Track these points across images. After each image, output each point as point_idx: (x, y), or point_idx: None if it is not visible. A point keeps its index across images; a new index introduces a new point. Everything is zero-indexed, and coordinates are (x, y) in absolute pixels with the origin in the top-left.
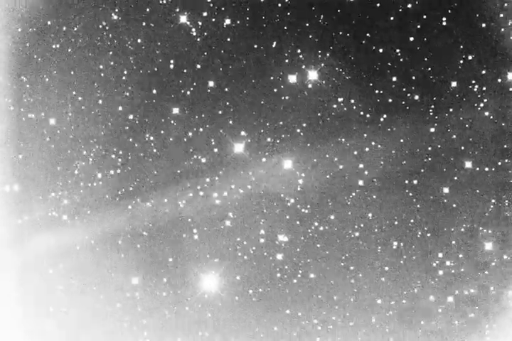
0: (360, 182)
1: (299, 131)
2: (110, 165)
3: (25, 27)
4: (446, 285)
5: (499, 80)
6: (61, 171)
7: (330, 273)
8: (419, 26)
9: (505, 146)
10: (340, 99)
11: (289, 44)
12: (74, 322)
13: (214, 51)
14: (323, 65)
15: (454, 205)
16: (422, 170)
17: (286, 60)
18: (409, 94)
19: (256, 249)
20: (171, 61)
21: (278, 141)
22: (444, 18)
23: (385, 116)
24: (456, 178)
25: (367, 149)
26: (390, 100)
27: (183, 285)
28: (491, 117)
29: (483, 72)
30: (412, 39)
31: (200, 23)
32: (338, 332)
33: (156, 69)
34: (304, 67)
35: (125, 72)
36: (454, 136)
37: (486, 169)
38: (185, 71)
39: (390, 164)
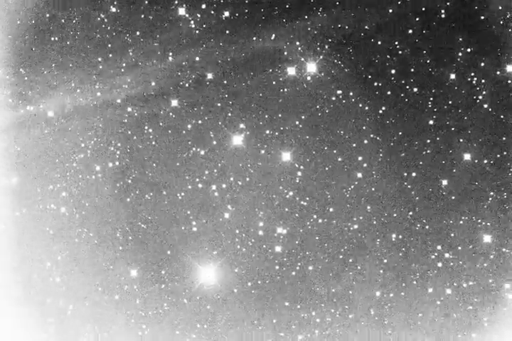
0: (359, 175)
1: (297, 123)
2: (109, 157)
3: (24, 20)
4: (445, 277)
5: (498, 72)
6: (59, 163)
7: (329, 265)
8: (418, 19)
9: (504, 139)
10: (339, 92)
11: (287, 36)
12: (72, 315)
13: (213, 43)
14: (322, 57)
15: (453, 198)
16: (421, 163)
17: (285, 53)
18: (408, 87)
19: (255, 242)
20: (170, 53)
21: (277, 134)
22: (442, 11)
23: (383, 108)
24: (454, 171)
25: (365, 141)
26: (389, 92)
27: (181, 277)
28: (490, 109)
29: (482, 64)
30: (411, 31)
31: (198, 16)
32: (337, 324)
33: (154, 61)
34: (302, 59)
35: (124, 65)
36: (453, 129)
37: (485, 161)
38: (183, 63)
39: (389, 156)
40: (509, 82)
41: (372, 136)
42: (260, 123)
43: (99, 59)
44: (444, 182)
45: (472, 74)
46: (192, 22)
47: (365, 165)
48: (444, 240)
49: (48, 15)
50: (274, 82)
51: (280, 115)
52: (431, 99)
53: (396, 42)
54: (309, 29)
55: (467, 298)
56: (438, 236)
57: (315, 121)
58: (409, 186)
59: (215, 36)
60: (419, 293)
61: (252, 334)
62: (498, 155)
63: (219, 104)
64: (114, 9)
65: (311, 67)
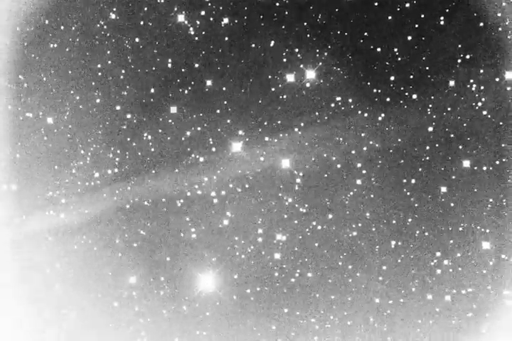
0: (358, 182)
1: (296, 130)
2: (108, 164)
3: (23, 26)
4: (444, 284)
5: (497, 79)
6: (59, 170)
7: (328, 272)
8: (416, 25)
9: (503, 145)
10: (338, 98)
11: (286, 43)
12: (71, 322)
13: (212, 50)
14: (321, 64)
15: (452, 204)
16: (420, 170)
17: (284, 59)
18: (407, 93)
19: (254, 248)
20: (169, 60)
21: (276, 140)
22: (441, 17)
23: (382, 115)
24: (454, 177)
25: (365, 148)
26: (388, 99)
27: (180, 284)
28: (489, 116)
29: (481, 71)
30: (409, 38)
31: (198, 22)
32: (336, 331)
33: (153, 68)
34: (301, 66)
35: (123, 71)
36: (452, 135)
37: (484, 168)
38: (183, 70)
39: (388, 163)
40: (508, 88)
41: (371, 142)
42: (259, 130)
43: (99, 66)
44: (443, 189)
45: (471, 81)
46: (191, 29)
47: (364, 171)
48: (443, 247)
49: (47, 22)
50: (273, 89)
51: (279, 122)
52: (430, 105)
53: (395, 49)
54: (308, 36)
55: (466, 304)
56: (437, 243)
57: (314, 128)
58: (408, 193)
59: (215, 43)
60: (418, 300)
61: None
62: (497, 162)
63: (218, 111)
64: (113, 16)
65: (310, 74)
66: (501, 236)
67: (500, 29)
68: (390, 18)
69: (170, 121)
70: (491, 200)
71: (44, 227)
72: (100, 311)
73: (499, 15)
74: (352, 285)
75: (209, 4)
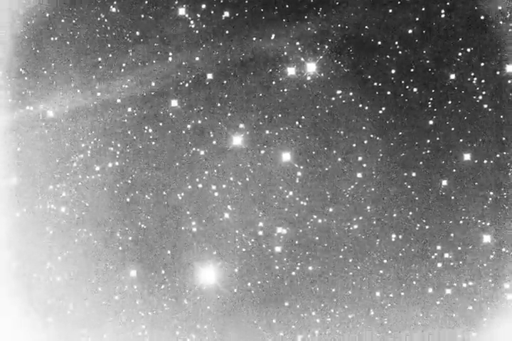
0: (359, 175)
1: (297, 123)
2: (109, 157)
3: (24, 20)
4: (445, 277)
5: (498, 73)
6: (59, 164)
7: (328, 265)
8: (417, 19)
9: (503, 139)
10: (338, 92)
11: (287, 36)
12: (72, 315)
13: (212, 43)
14: (321, 57)
15: (453, 198)
16: (421, 163)
17: (285, 53)
18: (407, 87)
19: (255, 242)
20: (170, 53)
21: (277, 134)
22: (442, 11)
23: (383, 108)
24: (454, 171)
25: (365, 142)
26: (389, 92)
27: (181, 277)
28: (490, 109)
29: (482, 64)
30: (410, 31)
31: (198, 16)
32: (337, 324)
33: (154, 61)
34: (302, 59)
35: (124, 65)
36: (453, 129)
37: (485, 161)
38: (183, 63)
39: (389, 156)
40: (509, 82)
41: (372, 136)
42: (260, 124)
43: (99, 59)
44: (444, 183)
45: (472, 74)
46: (192, 22)
47: (364, 165)
48: (444, 240)
49: (47, 15)
50: (273, 82)
51: (280, 115)
52: (431, 99)
53: (396, 42)
54: (309, 29)
55: (467, 298)
56: (438, 237)
57: (315, 122)
58: (409, 186)
59: (215, 36)
60: (419, 294)
61: (251, 334)
62: (498, 155)
63: (219, 104)
64: (114, 9)
65: (311, 67)
66: (502, 230)
67: (501, 22)
68: (390, 11)
69: (170, 114)
70: (491, 193)
71: (45, 221)
72: (101, 305)
73: (500, 8)
74: (353, 279)
75: None
